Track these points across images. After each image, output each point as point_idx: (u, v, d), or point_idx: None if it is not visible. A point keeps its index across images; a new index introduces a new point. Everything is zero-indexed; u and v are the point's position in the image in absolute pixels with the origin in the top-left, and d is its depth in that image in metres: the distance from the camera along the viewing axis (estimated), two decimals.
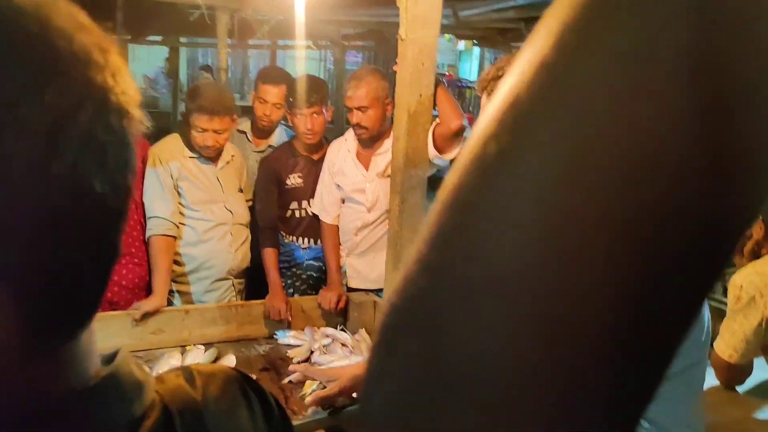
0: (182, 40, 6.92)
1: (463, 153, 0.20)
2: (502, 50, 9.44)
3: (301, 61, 2.85)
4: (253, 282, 2.59)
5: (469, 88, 14.10)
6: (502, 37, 5.91)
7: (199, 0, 3.18)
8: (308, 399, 1.44)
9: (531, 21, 4.68)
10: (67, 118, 0.31)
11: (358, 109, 2.35)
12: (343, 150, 2.50)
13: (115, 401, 0.40)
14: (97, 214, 0.34)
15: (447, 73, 14.69)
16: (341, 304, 2.31)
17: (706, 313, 1.17)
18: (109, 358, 0.43)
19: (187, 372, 0.49)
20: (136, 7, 4.40)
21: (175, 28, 5.67)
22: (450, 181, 0.20)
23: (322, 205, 2.53)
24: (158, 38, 6.58)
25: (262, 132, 2.80)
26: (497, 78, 1.17)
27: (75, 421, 0.38)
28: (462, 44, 13.30)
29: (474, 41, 7.62)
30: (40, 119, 0.30)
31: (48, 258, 0.32)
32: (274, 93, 2.67)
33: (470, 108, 13.27)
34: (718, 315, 2.38)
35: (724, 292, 2.83)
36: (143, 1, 4.09)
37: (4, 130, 0.29)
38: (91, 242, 0.35)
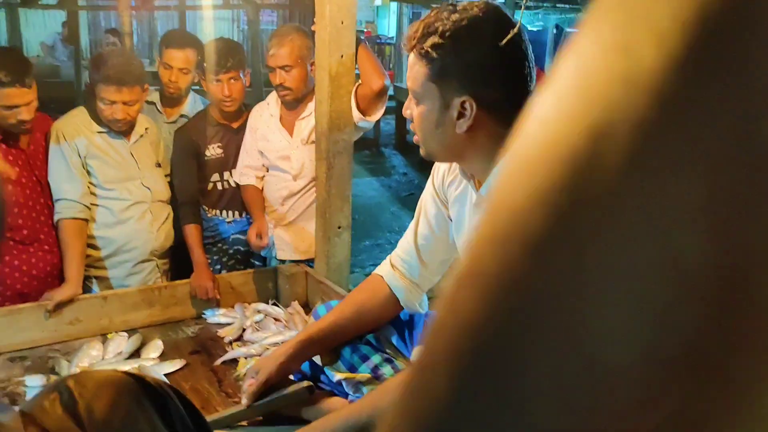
0: (81, 3, 6.42)
1: None
2: (420, 4, 9.34)
3: (212, 22, 2.67)
4: (177, 261, 2.46)
5: (389, 44, 13.95)
6: None
7: None
8: (243, 398, 1.37)
9: None
10: None
11: (282, 68, 2.23)
12: (265, 114, 2.39)
13: None
14: None
15: (366, 30, 14.47)
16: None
17: None
18: None
19: (67, 394, 0.42)
20: None
21: None
22: None
23: (243, 171, 2.41)
24: (53, 1, 6.07)
25: (171, 101, 2.63)
26: (427, 35, 1.09)
27: None
28: (378, 0, 13.08)
29: None
30: None
31: None
32: (179, 57, 2.50)
33: (391, 65, 13.16)
34: None
35: None
36: None
37: None
38: None
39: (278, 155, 2.36)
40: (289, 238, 2.43)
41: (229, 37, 2.42)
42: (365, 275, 3.61)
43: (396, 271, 1.45)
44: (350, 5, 1.93)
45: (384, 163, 7.92)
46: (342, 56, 1.97)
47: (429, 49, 1.09)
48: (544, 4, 5.59)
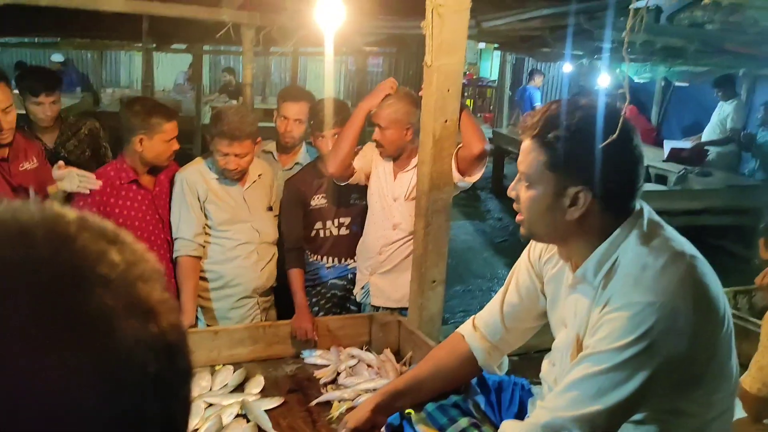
0: (205, 48, 7.01)
1: None
2: (524, 54, 9.40)
3: (323, 70, 2.90)
4: (281, 302, 2.64)
5: (490, 87, 14.04)
6: (524, 42, 5.90)
7: (224, 17, 3.22)
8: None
9: (554, 29, 4.66)
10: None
11: (377, 126, 2.40)
12: (376, 151, 2.53)
13: None
14: None
15: (468, 72, 14.66)
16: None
17: (735, 367, 1.19)
18: None
19: None
20: (161, 17, 4.47)
21: (199, 37, 5.74)
22: None
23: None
24: (182, 46, 6.67)
25: (286, 149, 2.85)
26: (550, 126, 1.18)
27: None
28: (482, 43, 13.25)
29: (495, 45, 7.61)
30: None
31: None
32: (294, 109, 2.73)
33: (491, 108, 13.23)
34: (745, 334, 2.38)
35: (751, 309, 2.82)
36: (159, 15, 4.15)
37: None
38: None
39: (379, 192, 2.50)
40: (384, 286, 2.54)
41: (336, 97, 2.61)
42: (455, 323, 3.65)
43: (477, 332, 1.52)
44: (457, 75, 2.05)
45: (479, 207, 7.94)
46: (446, 121, 2.08)
47: (552, 139, 1.16)
48: (653, 57, 5.49)
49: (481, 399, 1.49)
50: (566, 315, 1.30)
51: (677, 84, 8.02)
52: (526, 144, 1.22)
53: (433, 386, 1.50)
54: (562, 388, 1.13)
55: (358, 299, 2.64)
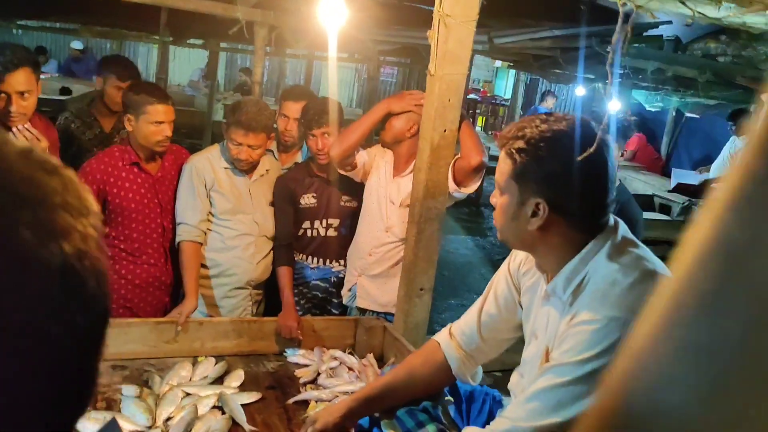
0: (222, 45, 7.06)
1: None
2: (538, 74, 9.43)
3: (335, 73, 2.92)
4: (270, 297, 2.65)
5: (503, 106, 14.08)
6: (537, 62, 5.92)
7: (238, 14, 3.25)
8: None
9: (566, 51, 4.68)
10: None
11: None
12: (383, 159, 2.56)
13: None
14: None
15: (482, 89, 14.70)
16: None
17: None
18: None
19: None
20: (179, 12, 4.52)
21: (215, 34, 5.79)
22: None
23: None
24: (198, 42, 6.72)
25: (286, 148, 2.87)
26: (516, 138, 1.20)
27: None
28: (499, 62, 13.29)
29: (509, 63, 7.63)
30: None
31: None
32: (294, 109, 2.75)
33: (503, 125, 13.26)
34: None
35: None
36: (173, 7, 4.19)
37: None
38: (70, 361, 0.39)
39: (378, 189, 2.51)
40: (371, 289, 2.54)
41: (328, 96, 2.62)
42: None
43: (453, 340, 1.52)
44: (459, 85, 2.06)
45: (481, 224, 7.93)
46: (445, 131, 2.09)
47: (514, 151, 1.20)
48: (666, 87, 5.50)
49: (451, 407, 1.49)
50: (538, 326, 1.31)
51: (688, 115, 8.00)
52: (501, 154, 1.26)
53: (406, 393, 1.50)
54: (524, 399, 1.14)
55: (344, 302, 2.64)
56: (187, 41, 6.33)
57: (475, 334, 1.49)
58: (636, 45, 4.06)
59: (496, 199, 1.29)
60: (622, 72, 4.80)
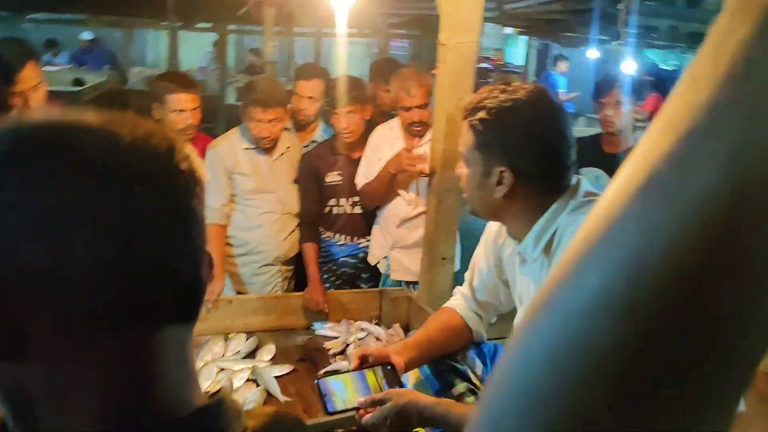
0: (230, 27, 7.05)
1: None
2: (549, 39, 9.30)
3: (344, 51, 2.93)
4: (299, 272, 2.71)
5: (515, 73, 13.92)
6: (549, 26, 5.85)
7: None
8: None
9: (577, 13, 4.62)
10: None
11: (419, 107, 2.44)
12: (389, 138, 2.57)
13: (222, 425, 0.47)
14: None
15: (493, 57, 14.52)
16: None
17: None
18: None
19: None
20: None
21: (223, 16, 5.79)
22: None
23: (361, 180, 2.60)
24: (207, 25, 6.72)
25: (301, 127, 2.90)
26: (477, 109, 1.25)
27: None
28: (509, 29, 13.11)
29: (520, 30, 7.54)
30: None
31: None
32: (308, 87, 2.78)
33: None
34: None
35: None
36: None
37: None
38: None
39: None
40: (404, 260, 2.59)
41: (351, 74, 2.64)
42: None
43: (466, 302, 1.61)
44: (471, 54, 2.06)
45: None
46: (459, 100, 2.10)
47: (476, 122, 1.25)
48: (679, 44, 5.42)
49: (479, 365, 1.53)
50: (522, 292, 1.37)
51: None
52: (463, 126, 1.30)
53: (439, 346, 1.54)
54: None
55: (381, 270, 2.69)
56: (196, 26, 6.33)
57: (474, 303, 1.59)
58: (649, 2, 4.01)
59: (461, 170, 1.34)
60: (635, 31, 4.72)
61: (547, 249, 1.25)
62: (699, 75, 0.22)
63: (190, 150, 0.49)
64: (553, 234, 1.24)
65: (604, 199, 0.22)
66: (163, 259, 0.43)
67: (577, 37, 5.90)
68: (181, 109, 2.41)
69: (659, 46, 5.60)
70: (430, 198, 2.24)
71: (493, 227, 1.51)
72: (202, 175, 0.49)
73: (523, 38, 12.03)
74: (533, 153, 1.23)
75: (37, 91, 2.22)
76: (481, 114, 1.23)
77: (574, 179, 1.29)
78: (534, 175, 1.25)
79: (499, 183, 1.25)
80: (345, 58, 3.05)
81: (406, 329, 2.25)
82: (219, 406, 0.48)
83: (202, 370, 1.89)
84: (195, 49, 9.62)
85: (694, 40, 4.92)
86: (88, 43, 9.64)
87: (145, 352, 0.44)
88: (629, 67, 7.50)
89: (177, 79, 2.52)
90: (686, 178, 0.20)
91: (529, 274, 1.32)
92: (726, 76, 0.21)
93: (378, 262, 2.69)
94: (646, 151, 0.22)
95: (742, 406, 1.55)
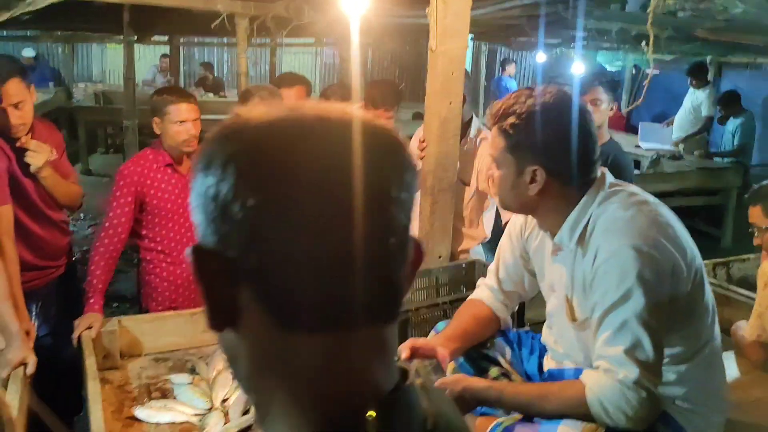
0: (182, 40, 6.98)
1: None
2: (500, 43, 9.55)
3: (295, 57, 3.00)
4: None
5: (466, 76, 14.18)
6: (502, 32, 6.03)
7: (219, 6, 3.27)
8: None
9: (531, 18, 4.80)
10: None
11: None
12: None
13: (415, 405, 0.50)
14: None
15: None
16: None
17: (711, 299, 1.36)
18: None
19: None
20: (141, 9, 4.48)
21: (181, 29, 5.74)
22: None
23: None
24: (163, 38, 6.64)
25: None
26: (507, 115, 1.36)
27: (386, 419, 0.47)
28: None
29: (471, 35, 7.72)
30: None
31: None
32: (290, 94, 2.85)
33: (464, 97, 13.35)
34: (726, 302, 2.55)
35: (729, 280, 2.99)
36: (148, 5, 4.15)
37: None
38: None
39: None
40: None
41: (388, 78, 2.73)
42: None
43: (492, 294, 1.69)
44: (460, 58, 2.16)
45: None
46: (450, 103, 2.19)
47: (507, 127, 1.35)
48: (625, 45, 5.68)
49: (508, 350, 1.62)
50: (554, 280, 1.47)
51: (648, 71, 8.26)
52: (493, 131, 1.41)
53: (475, 336, 1.61)
54: (603, 344, 1.26)
55: None
56: (151, 39, 6.25)
57: (500, 292, 1.69)
58: (601, 8, 4.21)
59: (493, 171, 1.44)
60: (586, 35, 4.94)
61: (581, 239, 1.35)
62: None
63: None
64: (587, 224, 1.35)
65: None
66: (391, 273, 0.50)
67: (530, 40, 6.11)
68: (183, 120, 2.41)
69: (607, 48, 5.85)
70: (424, 199, 2.31)
71: (518, 222, 1.61)
72: None
73: (470, 42, 12.28)
74: (562, 151, 1.33)
75: (23, 109, 2.19)
76: (512, 119, 1.34)
77: (598, 172, 1.40)
78: (564, 171, 1.35)
79: (532, 181, 1.35)
80: (354, 65, 3.17)
81: None
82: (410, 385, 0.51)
83: (217, 377, 1.90)
84: (151, 63, 9.47)
85: (639, 40, 5.19)
86: (30, 61, 9.33)
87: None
88: (577, 68, 7.77)
89: (175, 91, 2.54)
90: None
91: (562, 262, 1.42)
92: None
93: None
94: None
95: (737, 373, 1.67)
